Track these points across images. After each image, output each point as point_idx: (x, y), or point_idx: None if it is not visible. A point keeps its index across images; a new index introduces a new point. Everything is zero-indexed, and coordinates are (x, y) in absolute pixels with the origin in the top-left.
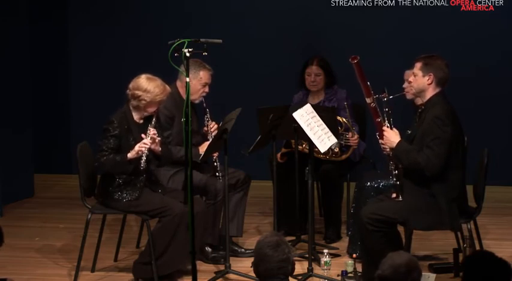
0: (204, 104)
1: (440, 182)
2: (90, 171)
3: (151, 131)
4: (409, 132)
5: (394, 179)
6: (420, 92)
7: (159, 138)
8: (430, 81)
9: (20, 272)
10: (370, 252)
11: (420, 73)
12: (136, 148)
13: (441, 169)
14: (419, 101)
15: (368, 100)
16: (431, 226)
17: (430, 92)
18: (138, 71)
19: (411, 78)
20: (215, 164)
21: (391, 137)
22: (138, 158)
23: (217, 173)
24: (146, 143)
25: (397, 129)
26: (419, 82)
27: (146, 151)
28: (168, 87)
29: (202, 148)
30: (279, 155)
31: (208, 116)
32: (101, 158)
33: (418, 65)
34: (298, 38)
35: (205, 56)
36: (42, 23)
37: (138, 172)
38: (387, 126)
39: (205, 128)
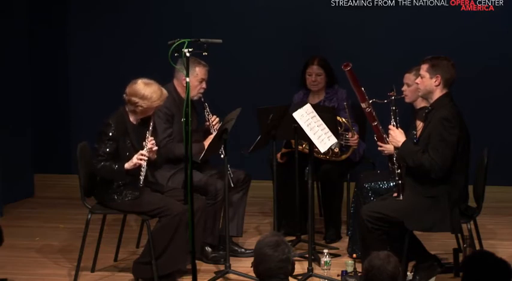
0: (202, 99)
1: (443, 184)
2: (90, 171)
3: (150, 140)
4: (414, 132)
5: (396, 177)
6: (427, 94)
7: (155, 148)
8: (437, 82)
9: (20, 272)
10: (370, 251)
11: (427, 75)
12: (134, 159)
13: (446, 171)
14: (419, 104)
15: (363, 105)
16: (431, 228)
17: (438, 94)
18: (138, 71)
19: (418, 80)
20: (228, 171)
21: (397, 136)
22: (135, 169)
23: (229, 173)
24: (144, 154)
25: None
26: (427, 84)
27: (144, 163)
28: (165, 92)
29: (207, 142)
30: (279, 155)
31: (208, 109)
32: (97, 164)
33: (425, 66)
34: (298, 38)
35: (205, 56)
36: (42, 23)
37: (136, 173)
38: (393, 125)
39: (207, 123)
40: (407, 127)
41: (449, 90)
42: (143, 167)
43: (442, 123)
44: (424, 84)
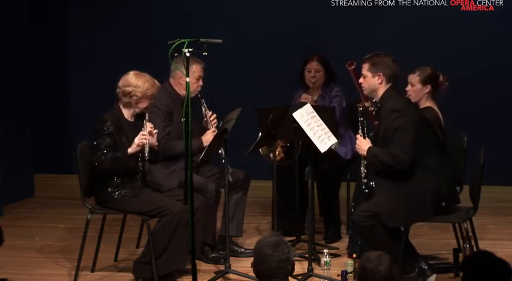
0: (199, 95)
1: (417, 171)
2: (90, 171)
3: (148, 124)
4: (371, 134)
5: (363, 187)
6: (372, 92)
7: (155, 131)
8: (380, 80)
9: (20, 272)
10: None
11: (369, 74)
12: (137, 140)
13: (411, 161)
14: (423, 104)
15: (367, 104)
16: (412, 220)
17: (382, 90)
18: (138, 71)
19: (361, 80)
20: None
21: (363, 145)
22: (139, 152)
23: (230, 173)
24: (145, 134)
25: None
26: (370, 83)
27: (147, 142)
28: (157, 82)
29: (205, 138)
30: (277, 151)
31: (205, 105)
32: (100, 157)
33: (366, 66)
34: (298, 38)
35: (205, 56)
36: (42, 23)
37: (134, 171)
38: (361, 135)
39: (205, 119)
40: None
41: (393, 84)
42: (146, 146)
43: (391, 115)
44: (368, 83)
